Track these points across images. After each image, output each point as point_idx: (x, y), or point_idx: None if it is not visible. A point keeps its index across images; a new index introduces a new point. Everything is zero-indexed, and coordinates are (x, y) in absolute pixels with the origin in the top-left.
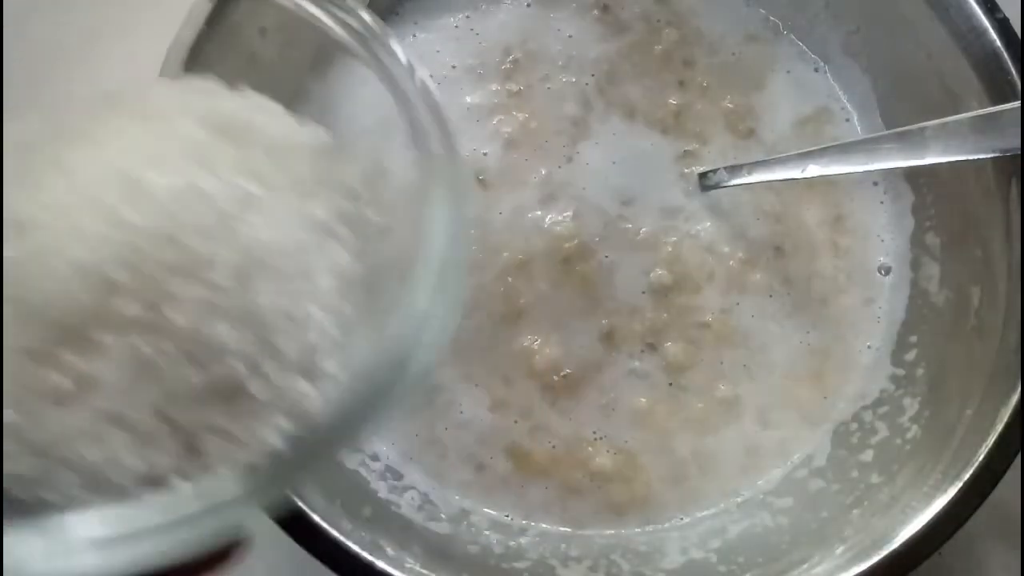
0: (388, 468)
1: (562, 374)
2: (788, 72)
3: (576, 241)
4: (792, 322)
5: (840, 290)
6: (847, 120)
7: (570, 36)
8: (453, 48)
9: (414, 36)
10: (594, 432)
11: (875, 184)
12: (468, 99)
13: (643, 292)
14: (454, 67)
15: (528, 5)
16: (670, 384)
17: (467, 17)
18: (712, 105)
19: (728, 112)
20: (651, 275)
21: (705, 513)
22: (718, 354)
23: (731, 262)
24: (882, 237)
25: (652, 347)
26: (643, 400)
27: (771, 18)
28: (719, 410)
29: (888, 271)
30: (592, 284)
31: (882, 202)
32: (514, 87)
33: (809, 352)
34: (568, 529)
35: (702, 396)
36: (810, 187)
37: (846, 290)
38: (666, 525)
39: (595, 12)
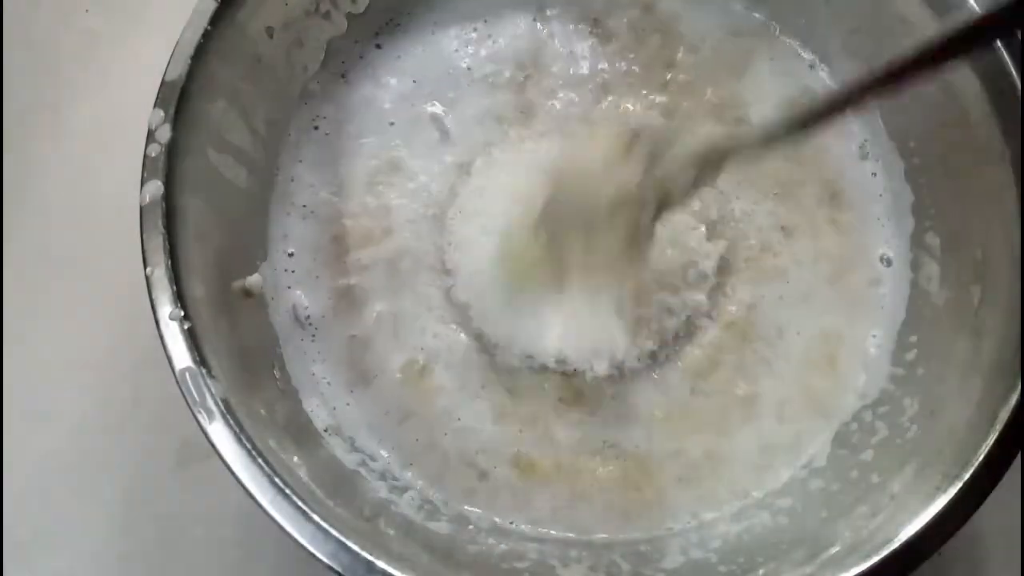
0: (388, 470)
1: (572, 380)
2: (786, 70)
3: None
4: (806, 307)
5: (847, 269)
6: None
7: (570, 52)
8: (467, 52)
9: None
10: (604, 441)
11: (863, 159)
12: (479, 104)
13: (653, 293)
14: (469, 69)
15: (534, 19)
16: (691, 389)
17: (475, 29)
18: (698, 102)
19: (714, 107)
20: (660, 273)
21: (714, 515)
22: (740, 352)
23: (742, 250)
24: (881, 221)
25: (669, 349)
26: (658, 404)
27: (771, 20)
28: (737, 409)
29: (890, 262)
30: None
31: (874, 173)
32: (521, 96)
33: (823, 338)
34: (574, 535)
35: (721, 397)
36: (800, 164)
37: (852, 269)
38: (676, 528)
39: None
